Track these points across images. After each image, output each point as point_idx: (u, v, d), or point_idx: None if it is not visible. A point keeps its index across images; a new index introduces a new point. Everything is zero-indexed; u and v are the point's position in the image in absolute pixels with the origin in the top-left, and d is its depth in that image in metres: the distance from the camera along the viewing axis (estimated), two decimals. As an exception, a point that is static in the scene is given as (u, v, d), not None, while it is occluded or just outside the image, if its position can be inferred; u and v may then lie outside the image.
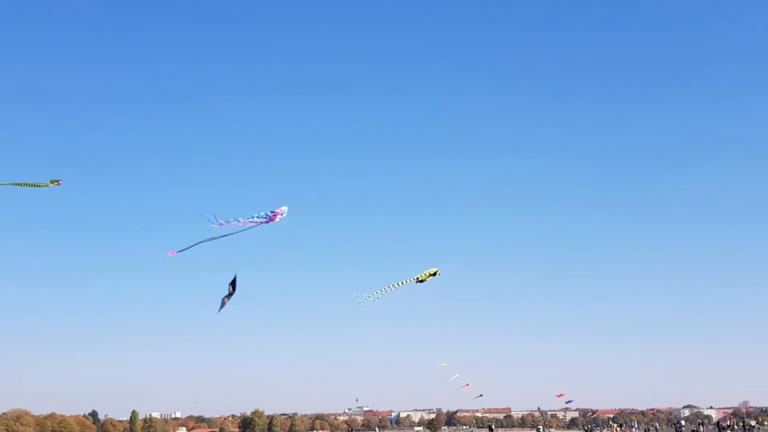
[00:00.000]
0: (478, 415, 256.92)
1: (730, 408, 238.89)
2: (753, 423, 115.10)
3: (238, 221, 24.98)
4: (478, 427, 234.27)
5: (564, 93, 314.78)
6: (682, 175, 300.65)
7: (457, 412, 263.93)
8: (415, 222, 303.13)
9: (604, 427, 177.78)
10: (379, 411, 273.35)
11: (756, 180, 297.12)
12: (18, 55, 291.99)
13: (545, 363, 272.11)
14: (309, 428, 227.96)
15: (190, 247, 25.20)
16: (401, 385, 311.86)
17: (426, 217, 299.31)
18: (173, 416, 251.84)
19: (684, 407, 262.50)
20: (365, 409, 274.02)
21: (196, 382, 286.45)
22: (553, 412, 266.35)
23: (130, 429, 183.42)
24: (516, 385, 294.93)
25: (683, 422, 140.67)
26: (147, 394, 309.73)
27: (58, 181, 23.73)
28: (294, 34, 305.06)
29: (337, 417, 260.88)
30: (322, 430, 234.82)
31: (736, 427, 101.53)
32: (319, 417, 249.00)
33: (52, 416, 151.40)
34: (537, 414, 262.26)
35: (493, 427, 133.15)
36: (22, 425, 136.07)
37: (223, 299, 26.09)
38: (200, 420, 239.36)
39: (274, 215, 25.42)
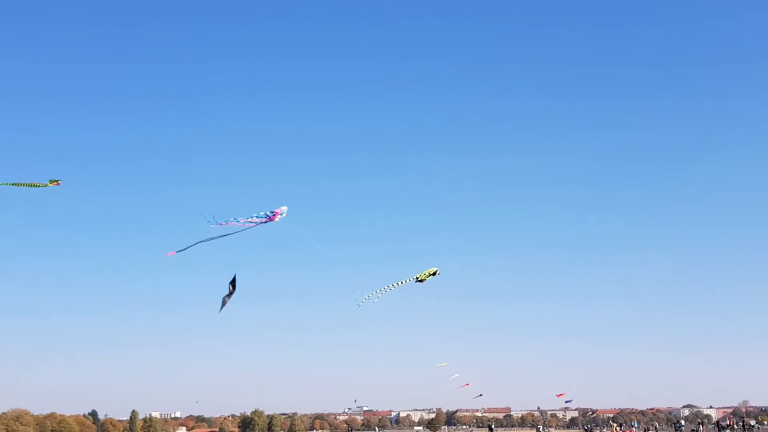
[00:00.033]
0: (478, 414, 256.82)
1: (729, 407, 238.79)
2: (753, 422, 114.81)
3: (238, 221, 25.01)
4: (478, 427, 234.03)
5: (564, 93, 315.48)
6: (682, 175, 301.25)
7: (456, 411, 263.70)
8: (415, 222, 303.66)
9: (603, 427, 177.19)
10: (379, 411, 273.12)
11: (756, 180, 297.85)
12: (18, 55, 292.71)
13: (545, 363, 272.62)
14: (309, 428, 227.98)
15: (190, 247, 25.26)
16: (401, 385, 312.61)
17: (426, 217, 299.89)
18: (173, 416, 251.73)
19: (684, 407, 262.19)
20: (365, 408, 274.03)
21: (196, 382, 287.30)
22: (553, 412, 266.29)
23: (130, 429, 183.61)
24: (516, 384, 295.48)
25: (683, 422, 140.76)
26: (147, 394, 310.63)
27: (57, 181, 23.79)
28: (294, 34, 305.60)
29: (337, 417, 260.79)
30: (322, 429, 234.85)
31: (735, 426, 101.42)
32: (319, 417, 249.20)
33: (51, 416, 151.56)
34: (537, 414, 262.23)
35: (492, 426, 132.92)
36: (22, 425, 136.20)
37: (223, 299, 26.16)
38: (200, 420, 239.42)
39: (274, 215, 25.45)
